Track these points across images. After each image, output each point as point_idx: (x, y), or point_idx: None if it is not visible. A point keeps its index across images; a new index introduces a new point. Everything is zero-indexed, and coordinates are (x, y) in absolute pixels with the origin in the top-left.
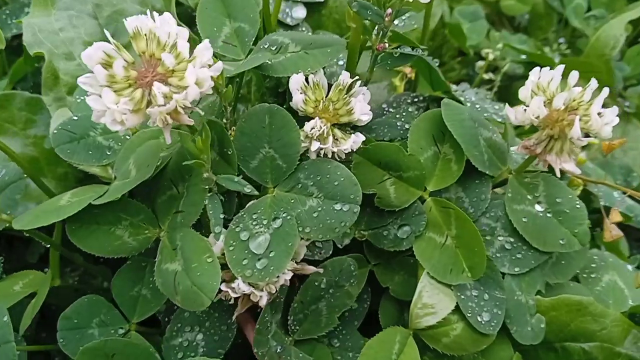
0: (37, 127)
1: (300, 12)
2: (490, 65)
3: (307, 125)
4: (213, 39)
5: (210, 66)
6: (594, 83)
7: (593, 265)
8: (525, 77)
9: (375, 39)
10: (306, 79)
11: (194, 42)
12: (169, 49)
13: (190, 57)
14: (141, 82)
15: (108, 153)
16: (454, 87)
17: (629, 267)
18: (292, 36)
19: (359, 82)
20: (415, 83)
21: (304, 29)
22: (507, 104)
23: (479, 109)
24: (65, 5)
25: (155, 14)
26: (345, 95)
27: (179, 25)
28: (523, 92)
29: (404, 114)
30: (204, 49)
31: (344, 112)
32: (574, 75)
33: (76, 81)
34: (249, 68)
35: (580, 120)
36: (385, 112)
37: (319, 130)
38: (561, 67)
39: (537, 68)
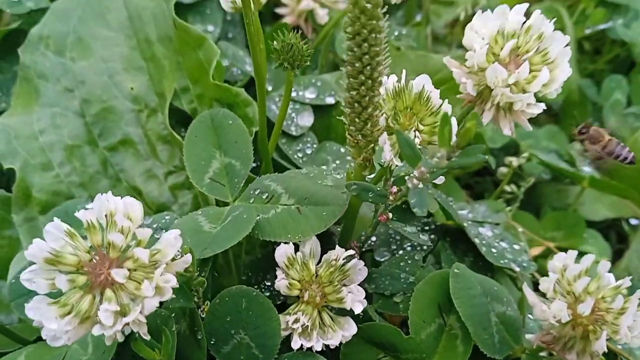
0: (12, 229)
1: (307, 119)
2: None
3: (290, 318)
4: (200, 174)
5: (176, 258)
6: (626, 282)
7: None
8: (553, 181)
9: (378, 205)
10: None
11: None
12: (125, 248)
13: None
14: (94, 280)
15: None
16: (469, 214)
17: None
18: (286, 184)
19: (354, 260)
20: None
21: (309, 139)
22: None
23: (496, 253)
24: (50, 101)
25: (117, 200)
26: (338, 276)
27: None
28: (545, 284)
29: (409, 261)
30: (171, 243)
31: (334, 299)
32: (604, 265)
33: (51, 197)
34: (231, 243)
35: (607, 325)
36: (390, 239)
37: (302, 326)
38: (590, 257)
39: (562, 255)
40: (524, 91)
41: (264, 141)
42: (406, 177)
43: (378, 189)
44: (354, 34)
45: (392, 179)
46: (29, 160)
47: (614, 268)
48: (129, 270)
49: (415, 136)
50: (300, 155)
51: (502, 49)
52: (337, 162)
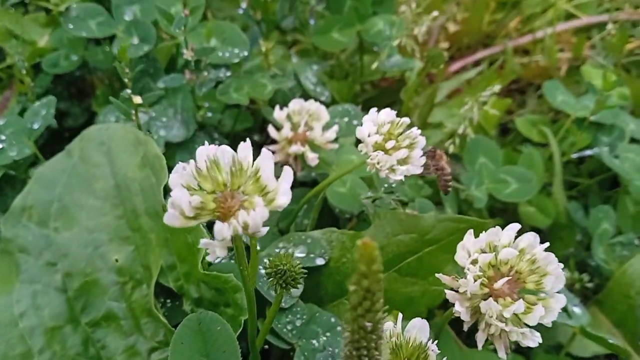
0: None
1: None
2: None
3: None
4: None
5: None
6: None
7: None
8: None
9: None
10: None
11: None
12: None
13: None
14: None
15: None
16: None
17: None
18: None
19: None
20: None
21: (298, 309)
22: None
23: None
24: (31, 277)
25: None
26: None
27: None
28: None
29: None
30: None
31: None
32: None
33: None
34: None
35: None
36: None
37: None
38: None
39: None
40: (520, 320)
41: (253, 337)
42: None
43: None
44: (352, 340)
45: None
46: (9, 352)
47: None
48: None
49: None
50: (289, 328)
51: (493, 267)
52: (328, 334)
